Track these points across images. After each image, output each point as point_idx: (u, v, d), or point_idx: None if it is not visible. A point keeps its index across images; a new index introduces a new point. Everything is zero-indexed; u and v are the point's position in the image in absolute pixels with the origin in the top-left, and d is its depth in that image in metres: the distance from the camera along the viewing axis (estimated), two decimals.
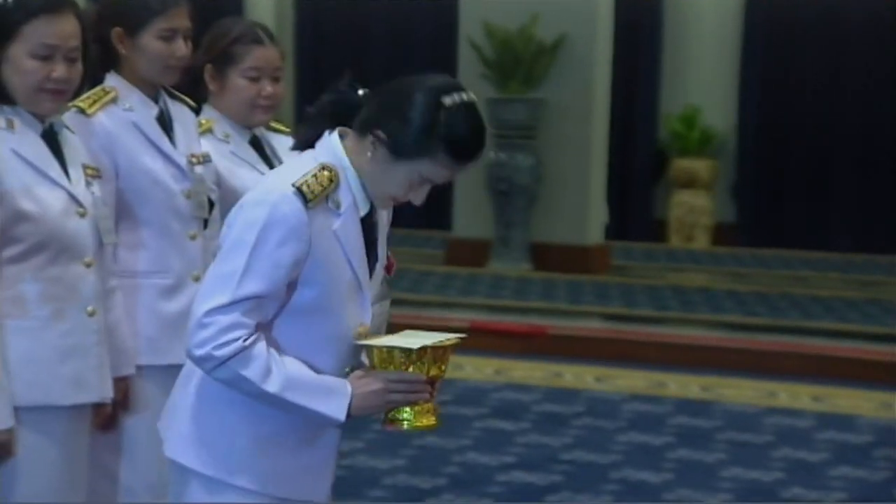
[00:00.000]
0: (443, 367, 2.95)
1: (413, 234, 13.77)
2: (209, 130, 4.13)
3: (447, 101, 2.85)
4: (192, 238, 3.99)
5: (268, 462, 2.95)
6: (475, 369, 9.04)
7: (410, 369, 2.90)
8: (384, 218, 3.08)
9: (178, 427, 3.02)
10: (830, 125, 14.57)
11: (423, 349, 2.90)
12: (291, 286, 2.88)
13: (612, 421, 7.79)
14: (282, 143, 4.17)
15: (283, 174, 2.91)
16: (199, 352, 2.83)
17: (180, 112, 4.05)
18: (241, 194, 3.07)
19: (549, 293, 11.42)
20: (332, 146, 2.94)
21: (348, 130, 2.96)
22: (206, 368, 2.86)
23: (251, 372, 2.82)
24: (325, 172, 2.88)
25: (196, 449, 2.97)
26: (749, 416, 7.86)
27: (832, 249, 14.19)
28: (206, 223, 4.04)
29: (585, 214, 12.51)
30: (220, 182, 4.09)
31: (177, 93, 4.09)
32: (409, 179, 2.89)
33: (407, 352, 2.90)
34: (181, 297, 3.91)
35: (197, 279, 3.97)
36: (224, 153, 4.14)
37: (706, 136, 14.71)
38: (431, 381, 2.93)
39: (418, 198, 2.93)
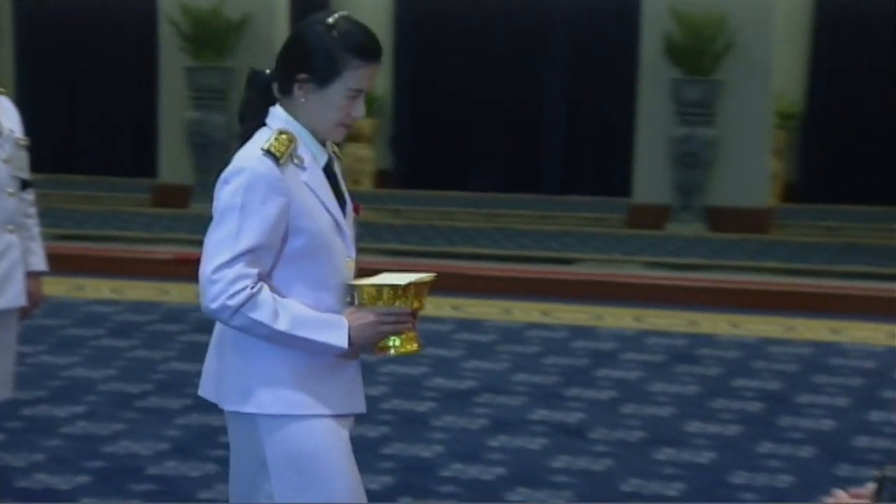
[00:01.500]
0: (422, 301, 2.87)
1: None
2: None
3: (330, 20, 2.81)
4: (10, 195, 3.97)
5: (311, 388, 2.84)
6: (179, 293, 9.03)
7: (397, 304, 2.82)
8: (340, 170, 2.99)
9: (228, 385, 2.90)
10: (470, 89, 14.89)
11: (409, 285, 2.83)
12: (284, 238, 2.79)
13: None
14: None
15: (250, 147, 2.82)
16: (214, 304, 2.74)
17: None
18: None
19: None
20: (278, 115, 2.86)
21: (280, 100, 2.87)
22: (222, 319, 2.77)
23: (262, 315, 2.73)
24: (283, 135, 2.80)
25: (253, 396, 2.85)
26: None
27: (471, 190, 14.55)
28: (24, 185, 4.03)
29: None
30: None
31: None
32: (343, 97, 2.81)
33: (395, 288, 2.82)
34: None
35: (12, 231, 3.97)
36: None
37: (367, 98, 14.82)
38: (413, 313, 2.86)
39: (359, 111, 2.85)
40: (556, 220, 12.39)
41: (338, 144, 2.98)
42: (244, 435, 2.91)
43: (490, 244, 10.94)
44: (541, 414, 6.16)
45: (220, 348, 2.94)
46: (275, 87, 2.87)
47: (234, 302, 2.72)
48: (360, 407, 2.95)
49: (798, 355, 7.44)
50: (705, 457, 5.53)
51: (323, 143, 2.89)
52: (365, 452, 5.48)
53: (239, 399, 2.87)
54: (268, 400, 2.83)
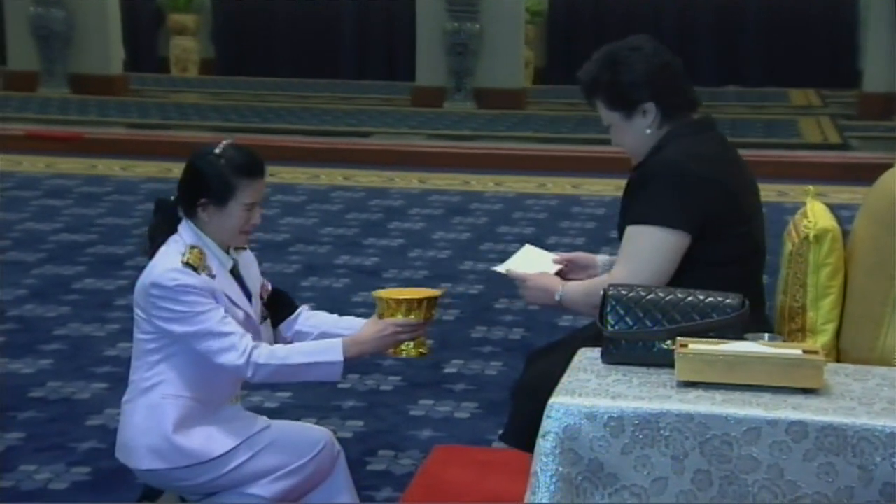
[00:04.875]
0: (433, 312, 2.80)
1: None
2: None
3: (217, 150, 2.71)
4: None
5: (193, 435, 2.70)
6: (31, 164, 8.64)
7: (412, 316, 2.75)
8: (249, 259, 2.87)
9: (136, 445, 2.73)
10: None
11: (422, 300, 2.76)
12: None
13: (133, 196, 7.70)
14: None
15: (166, 260, 2.68)
16: (242, 363, 2.65)
17: None
18: None
19: (84, 110, 10.98)
20: (188, 231, 2.72)
21: (184, 221, 2.74)
22: (253, 381, 2.70)
23: (272, 359, 2.66)
24: (195, 250, 2.68)
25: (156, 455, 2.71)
26: None
27: (281, 76, 14.27)
28: None
29: (107, 53, 12.01)
30: None
31: None
32: (240, 210, 2.70)
33: (410, 302, 2.75)
34: None
35: None
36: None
37: None
38: (424, 322, 2.79)
39: (256, 219, 2.74)
40: (353, 100, 12.27)
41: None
42: (177, 486, 2.78)
43: (298, 121, 10.75)
44: (343, 259, 6.18)
45: (124, 418, 2.79)
46: (180, 210, 2.76)
47: (247, 361, 2.64)
48: (253, 429, 2.80)
49: (547, 206, 7.62)
50: (476, 289, 5.65)
51: (227, 250, 2.79)
52: None
53: (152, 459, 2.72)
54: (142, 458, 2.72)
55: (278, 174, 8.42)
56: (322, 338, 2.83)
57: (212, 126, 10.29)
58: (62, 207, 7.22)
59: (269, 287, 2.91)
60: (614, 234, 7.44)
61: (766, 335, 2.36)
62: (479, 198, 7.87)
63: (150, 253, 2.76)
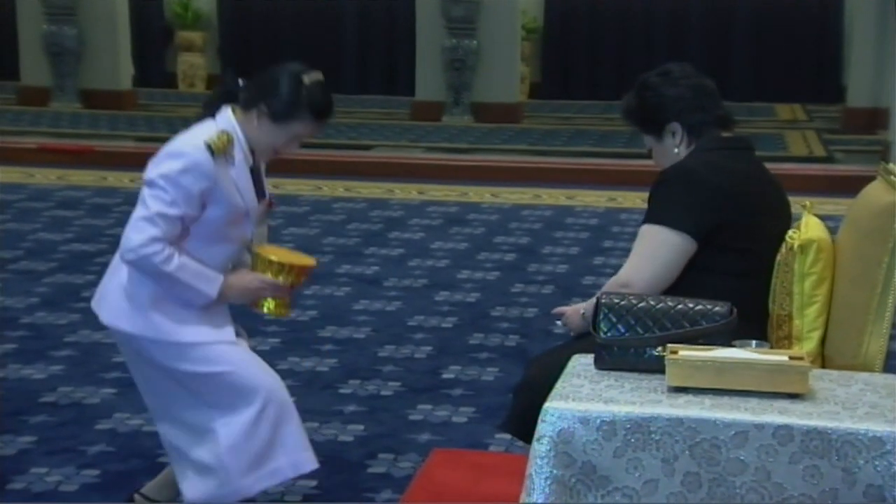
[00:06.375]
0: (301, 280, 2.86)
1: None
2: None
3: (306, 79, 2.78)
4: None
5: (167, 313, 2.78)
6: (43, 177, 8.65)
7: (280, 278, 2.81)
8: (263, 170, 2.94)
9: (112, 302, 2.84)
10: (279, 5, 14.51)
11: (292, 266, 2.82)
12: (204, 207, 2.75)
13: None
14: None
15: (195, 133, 2.76)
16: (128, 246, 2.72)
17: None
18: None
19: (95, 124, 10.99)
20: (227, 118, 2.79)
21: (236, 107, 2.81)
22: (129, 258, 2.73)
23: (158, 260, 2.71)
24: (225, 136, 2.75)
25: (144, 319, 2.79)
26: None
27: None
28: None
29: (117, 69, 12.03)
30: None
31: None
32: (286, 137, 2.79)
33: (282, 265, 2.81)
34: None
35: None
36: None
37: (196, 15, 14.38)
38: (291, 287, 2.85)
39: (293, 148, 2.83)
40: (354, 114, 12.27)
41: None
42: (132, 351, 2.85)
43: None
44: (345, 268, 6.18)
45: (112, 271, 2.87)
46: (241, 96, 2.82)
47: (144, 251, 2.70)
48: (226, 336, 2.88)
49: (542, 216, 7.63)
50: (473, 297, 5.65)
51: (253, 151, 2.84)
52: None
53: (120, 317, 2.81)
54: (110, 313, 2.81)
55: (282, 185, 8.42)
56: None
57: None
58: (73, 218, 7.22)
59: (275, 201, 3.01)
60: (607, 243, 7.48)
61: (754, 342, 2.37)
62: (477, 209, 7.88)
63: (197, 122, 2.83)
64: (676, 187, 2.75)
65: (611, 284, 2.74)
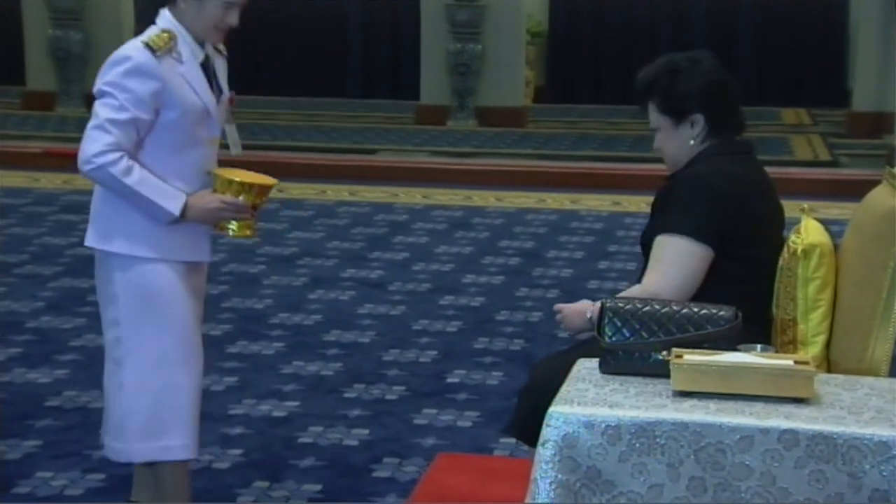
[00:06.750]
0: (264, 199, 2.83)
1: None
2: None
3: None
4: None
5: (159, 236, 2.78)
6: (48, 181, 8.66)
7: (241, 197, 2.78)
8: (222, 66, 2.92)
9: (92, 226, 2.85)
10: (283, 12, 14.51)
11: (254, 185, 2.79)
12: (158, 112, 2.73)
13: None
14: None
15: (135, 39, 2.77)
16: (84, 157, 2.71)
17: None
18: None
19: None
20: (166, 18, 2.79)
21: (169, 6, 2.81)
22: (87, 170, 2.72)
23: (118, 171, 2.69)
24: (165, 34, 2.74)
25: (109, 238, 2.81)
26: None
27: (289, 95, 14.14)
28: None
29: None
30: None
31: None
32: (218, 8, 2.76)
33: (243, 184, 2.77)
34: None
35: None
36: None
37: None
38: (254, 207, 2.81)
39: (233, 20, 2.79)
40: (359, 118, 12.27)
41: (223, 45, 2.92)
42: (102, 271, 2.87)
43: (306, 138, 10.75)
44: (349, 272, 6.18)
45: (94, 197, 2.89)
46: None
47: (100, 160, 2.69)
48: (206, 256, 2.92)
49: (547, 221, 7.63)
50: (477, 301, 5.65)
51: (202, 44, 2.82)
52: (209, 306, 5.42)
53: (96, 238, 2.84)
54: (119, 242, 2.80)
55: (287, 190, 8.43)
56: None
57: (221, 143, 10.29)
58: (78, 223, 7.21)
59: (235, 97, 2.97)
60: (612, 247, 7.48)
61: (759, 346, 2.37)
62: (481, 213, 7.88)
63: (135, 33, 2.82)
64: (695, 197, 2.72)
65: (633, 294, 2.70)
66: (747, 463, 2.10)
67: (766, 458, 2.09)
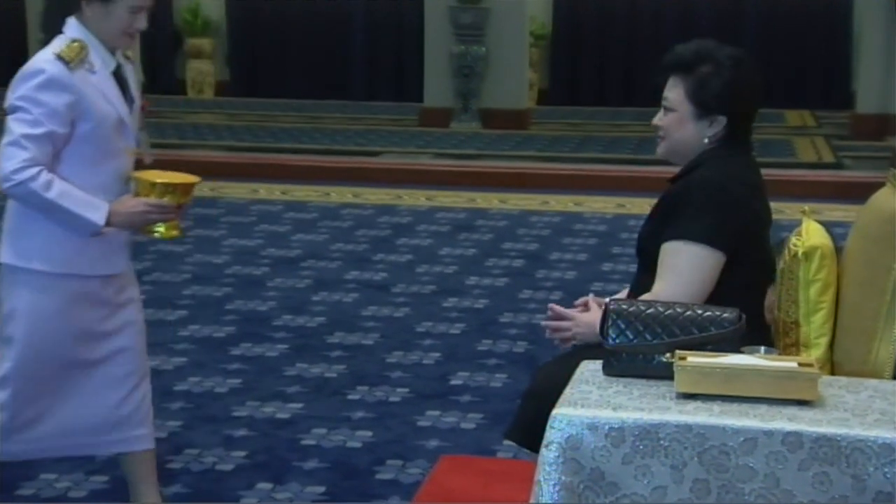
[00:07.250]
0: (187, 198, 2.81)
1: None
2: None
3: None
4: None
5: (68, 248, 2.76)
6: None
7: (166, 198, 2.76)
8: (132, 73, 2.89)
9: None
10: (287, 13, 14.53)
11: (176, 185, 2.77)
12: (73, 125, 2.70)
13: None
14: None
15: (46, 51, 2.71)
16: (5, 185, 2.68)
17: None
18: None
19: None
20: (73, 27, 2.74)
21: (75, 14, 2.76)
22: (6, 187, 2.68)
23: (38, 187, 2.66)
24: (75, 44, 2.70)
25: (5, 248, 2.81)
26: (241, 206, 7.98)
27: (293, 97, 14.26)
28: None
29: None
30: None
31: None
32: (125, 12, 2.73)
33: (166, 185, 2.76)
34: None
35: None
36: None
37: (205, 23, 14.41)
38: (179, 207, 2.79)
39: (141, 24, 2.75)
40: (363, 121, 12.28)
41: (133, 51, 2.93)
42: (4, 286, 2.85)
43: (310, 140, 10.75)
44: (353, 274, 6.18)
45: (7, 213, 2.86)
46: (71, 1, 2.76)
47: (19, 177, 2.65)
48: (119, 268, 2.87)
49: (550, 223, 7.63)
50: (481, 303, 5.65)
51: (112, 52, 2.78)
52: (212, 307, 5.42)
53: (12, 255, 2.81)
54: (10, 253, 2.79)
55: (290, 192, 8.44)
56: None
57: (226, 146, 10.31)
58: None
59: (147, 103, 2.94)
60: (616, 249, 7.45)
61: (762, 348, 2.36)
62: (485, 215, 7.88)
63: (43, 44, 2.76)
64: (708, 203, 2.67)
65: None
66: (751, 465, 2.09)
67: (769, 460, 2.09)
